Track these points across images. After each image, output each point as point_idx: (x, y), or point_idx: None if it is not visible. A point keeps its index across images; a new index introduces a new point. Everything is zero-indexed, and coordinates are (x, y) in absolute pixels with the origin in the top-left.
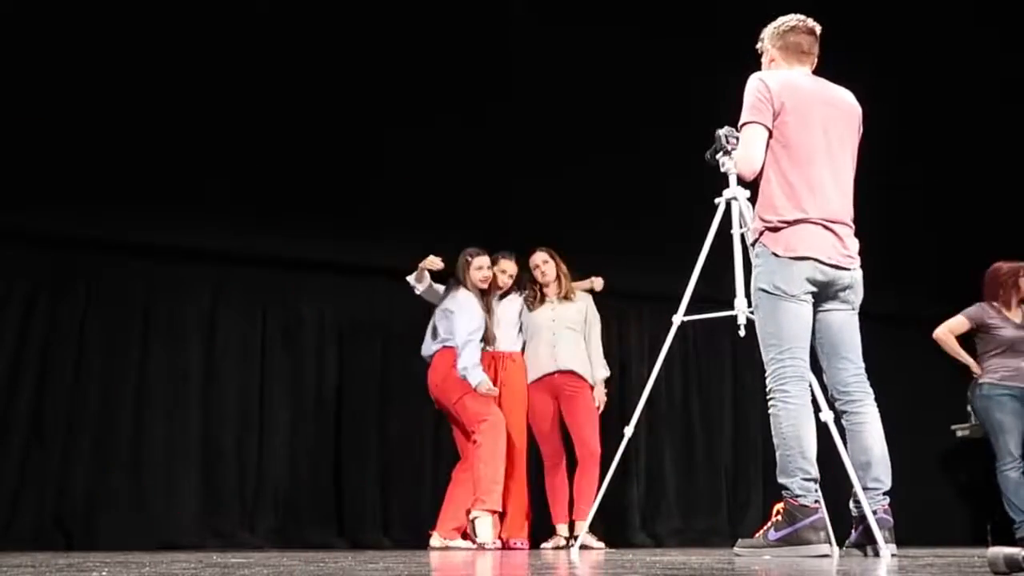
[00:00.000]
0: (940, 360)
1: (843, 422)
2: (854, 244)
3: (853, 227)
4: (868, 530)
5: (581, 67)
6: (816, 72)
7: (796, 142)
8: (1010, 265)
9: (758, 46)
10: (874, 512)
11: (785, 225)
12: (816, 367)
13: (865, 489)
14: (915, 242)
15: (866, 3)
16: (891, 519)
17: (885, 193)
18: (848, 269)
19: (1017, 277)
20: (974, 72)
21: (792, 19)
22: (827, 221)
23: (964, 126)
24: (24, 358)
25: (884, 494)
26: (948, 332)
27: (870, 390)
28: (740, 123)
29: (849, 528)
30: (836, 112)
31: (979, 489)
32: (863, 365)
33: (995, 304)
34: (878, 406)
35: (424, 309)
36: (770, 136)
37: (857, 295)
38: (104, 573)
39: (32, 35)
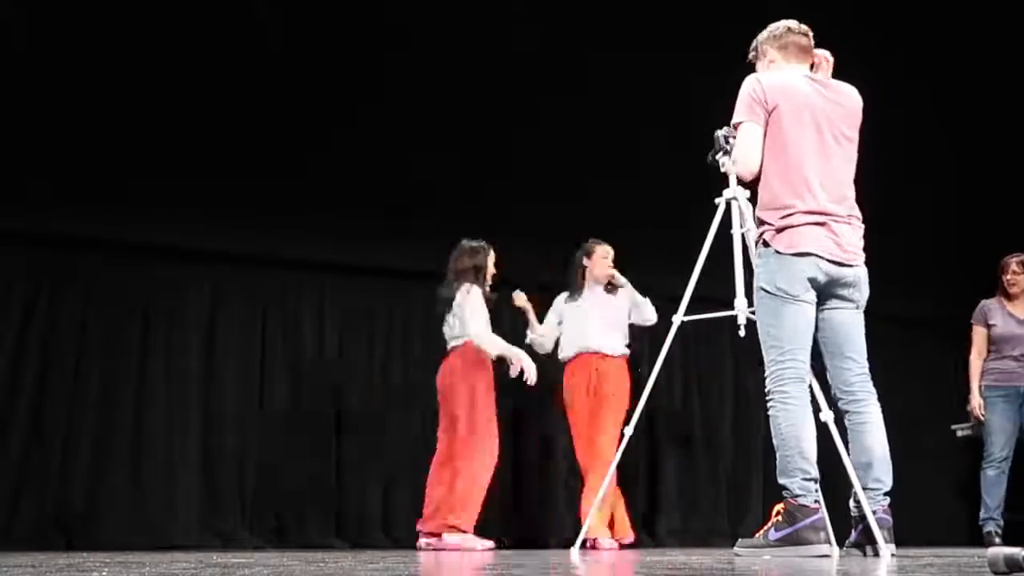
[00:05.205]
0: (941, 360)
1: (846, 422)
2: (857, 241)
3: (858, 223)
4: (868, 530)
5: (581, 66)
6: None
7: (790, 140)
8: (1011, 255)
9: (751, 56)
10: (874, 512)
11: (786, 223)
12: (819, 366)
13: (865, 489)
14: (922, 242)
15: (879, 3)
16: (891, 519)
17: (894, 192)
18: (850, 266)
19: (1009, 264)
20: (985, 71)
21: (785, 23)
22: (826, 217)
23: (980, 126)
24: (24, 358)
25: (884, 494)
26: (975, 356)
27: (873, 390)
28: (733, 122)
29: (849, 528)
30: (834, 109)
31: (979, 489)
32: (867, 365)
33: (998, 298)
34: (883, 405)
35: (424, 310)
36: (765, 135)
37: (862, 293)
38: (104, 573)
39: (32, 35)
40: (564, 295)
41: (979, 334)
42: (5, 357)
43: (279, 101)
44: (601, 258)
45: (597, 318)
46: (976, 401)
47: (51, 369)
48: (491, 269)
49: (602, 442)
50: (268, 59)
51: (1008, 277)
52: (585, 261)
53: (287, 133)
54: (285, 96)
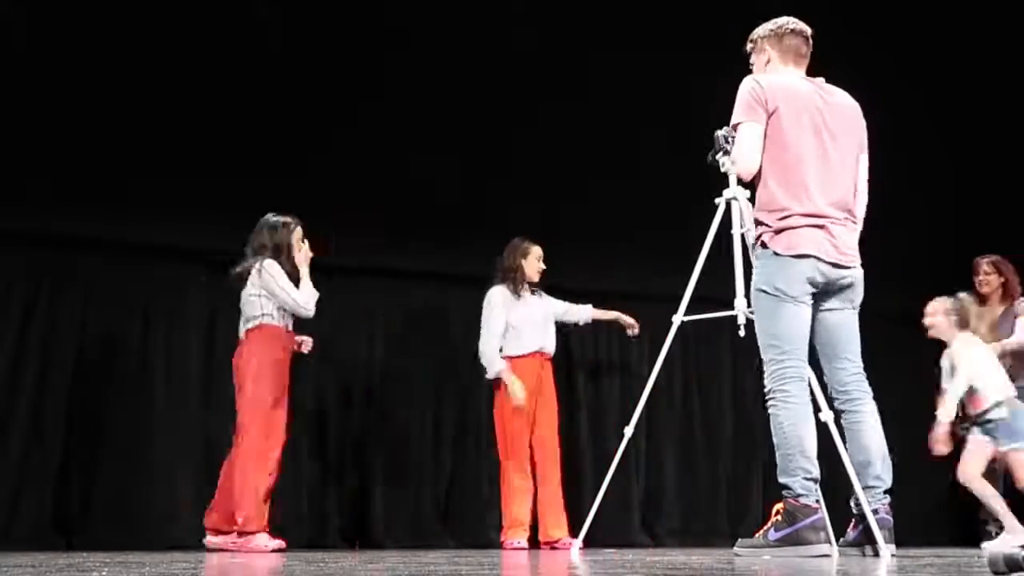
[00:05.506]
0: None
1: (842, 421)
2: (853, 243)
3: (856, 225)
4: (867, 530)
5: (581, 66)
6: (828, 71)
7: (790, 143)
8: (982, 256)
9: (748, 47)
10: (875, 511)
11: (784, 225)
12: (817, 367)
13: (866, 488)
14: (920, 240)
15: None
16: (891, 519)
17: (890, 190)
18: (848, 268)
19: (980, 265)
20: (982, 70)
21: (788, 22)
22: (823, 220)
23: (976, 124)
24: (24, 358)
25: (885, 492)
26: None
27: (868, 389)
28: (733, 122)
29: (847, 527)
30: (831, 112)
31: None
32: (862, 364)
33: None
34: (880, 405)
35: (427, 310)
36: (765, 136)
37: (858, 294)
38: (104, 573)
39: (32, 35)
40: (503, 292)
41: None
42: (5, 357)
43: (279, 101)
44: (536, 259)
45: (546, 317)
46: None
47: (51, 369)
48: (295, 246)
49: (554, 439)
50: (268, 59)
51: (979, 278)
52: (521, 261)
53: (287, 133)
54: (285, 96)
